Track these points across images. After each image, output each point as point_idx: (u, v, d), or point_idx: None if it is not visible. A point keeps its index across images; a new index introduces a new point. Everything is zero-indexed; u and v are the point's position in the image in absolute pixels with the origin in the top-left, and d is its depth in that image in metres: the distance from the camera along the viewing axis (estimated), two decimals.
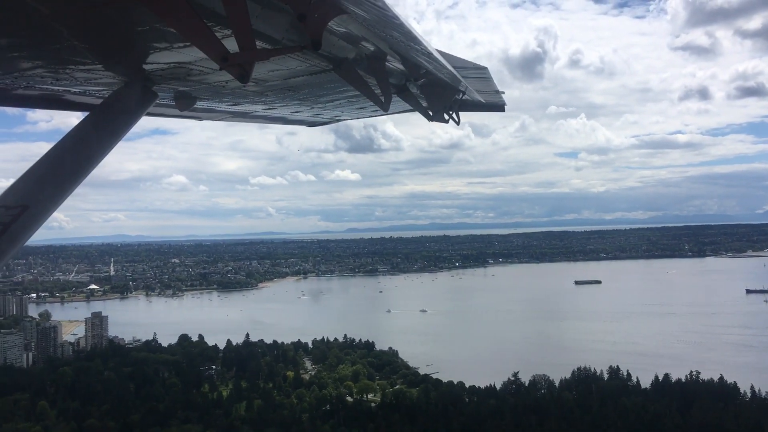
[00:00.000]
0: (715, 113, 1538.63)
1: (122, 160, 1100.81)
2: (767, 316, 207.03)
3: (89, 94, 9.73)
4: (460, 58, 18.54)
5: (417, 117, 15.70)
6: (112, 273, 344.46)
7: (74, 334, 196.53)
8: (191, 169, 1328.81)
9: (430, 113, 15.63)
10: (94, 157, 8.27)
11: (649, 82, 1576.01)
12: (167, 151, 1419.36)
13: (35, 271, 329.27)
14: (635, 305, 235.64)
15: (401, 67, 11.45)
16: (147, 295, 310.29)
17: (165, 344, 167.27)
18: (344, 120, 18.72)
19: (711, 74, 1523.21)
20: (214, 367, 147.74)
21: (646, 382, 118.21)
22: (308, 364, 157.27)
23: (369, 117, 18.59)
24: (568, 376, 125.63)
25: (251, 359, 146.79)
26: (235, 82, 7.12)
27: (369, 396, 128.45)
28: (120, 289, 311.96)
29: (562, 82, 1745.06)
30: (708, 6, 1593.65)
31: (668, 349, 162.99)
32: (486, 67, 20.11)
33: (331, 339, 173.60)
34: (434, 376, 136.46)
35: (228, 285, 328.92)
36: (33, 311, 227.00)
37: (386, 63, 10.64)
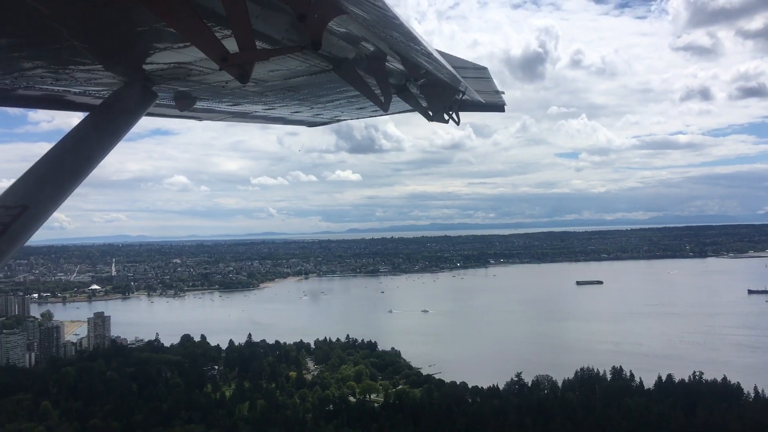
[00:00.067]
0: (717, 114, 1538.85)
1: (123, 160, 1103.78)
2: None
3: (89, 95, 9.74)
4: (459, 59, 18.55)
5: (417, 117, 15.70)
6: (114, 273, 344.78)
7: (77, 335, 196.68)
8: (192, 170, 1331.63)
9: (430, 113, 15.63)
10: (94, 157, 8.28)
11: (651, 83, 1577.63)
12: (168, 152, 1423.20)
13: (37, 272, 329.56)
14: (637, 306, 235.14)
15: (401, 67, 11.44)
16: (149, 295, 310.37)
17: (167, 344, 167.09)
18: (344, 120, 18.73)
19: (712, 75, 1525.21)
20: (216, 367, 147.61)
21: (649, 383, 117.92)
22: (311, 365, 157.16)
23: (369, 117, 18.62)
24: (571, 376, 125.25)
25: (254, 359, 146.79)
26: (235, 82, 7.12)
27: (372, 396, 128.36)
28: (122, 289, 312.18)
29: (563, 82, 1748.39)
30: (709, 6, 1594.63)
31: (671, 350, 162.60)
32: (486, 68, 20.13)
33: (334, 339, 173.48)
34: (437, 377, 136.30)
35: (229, 285, 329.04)
36: (35, 311, 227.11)
37: (386, 63, 10.64)
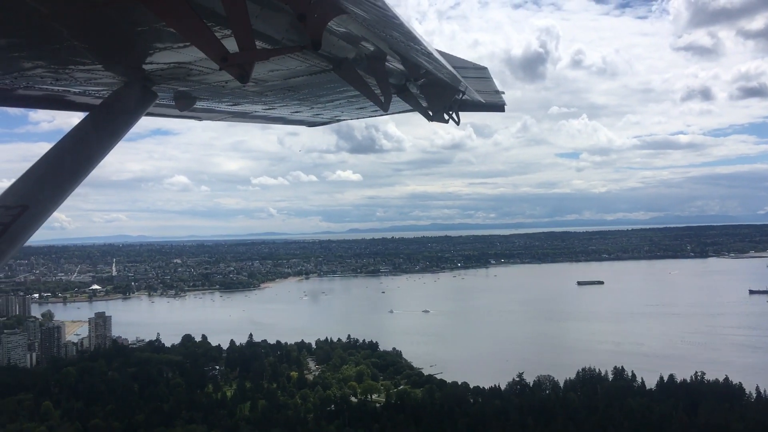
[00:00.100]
0: (718, 114, 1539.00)
1: (123, 160, 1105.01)
2: None
3: (89, 95, 9.74)
4: (460, 58, 18.54)
5: (418, 117, 15.71)
6: (114, 273, 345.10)
7: (77, 335, 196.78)
8: (193, 170, 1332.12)
9: (430, 113, 15.63)
10: (94, 157, 8.28)
11: (651, 83, 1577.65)
12: (169, 152, 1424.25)
13: (37, 272, 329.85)
14: (638, 306, 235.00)
15: (401, 67, 11.44)
16: (149, 295, 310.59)
17: (168, 344, 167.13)
18: (344, 120, 18.73)
19: (713, 75, 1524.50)
20: (217, 367, 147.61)
21: (651, 383, 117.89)
22: (312, 365, 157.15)
23: (369, 117, 18.62)
24: (572, 376, 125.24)
25: (255, 359, 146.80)
26: (235, 82, 7.11)
27: (373, 396, 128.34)
28: (122, 289, 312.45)
29: (563, 82, 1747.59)
30: (710, 6, 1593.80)
31: (672, 350, 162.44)
32: (486, 67, 20.13)
33: (335, 339, 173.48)
34: (438, 377, 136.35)
35: (230, 285, 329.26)
36: (36, 311, 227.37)
37: (386, 63, 10.64)
